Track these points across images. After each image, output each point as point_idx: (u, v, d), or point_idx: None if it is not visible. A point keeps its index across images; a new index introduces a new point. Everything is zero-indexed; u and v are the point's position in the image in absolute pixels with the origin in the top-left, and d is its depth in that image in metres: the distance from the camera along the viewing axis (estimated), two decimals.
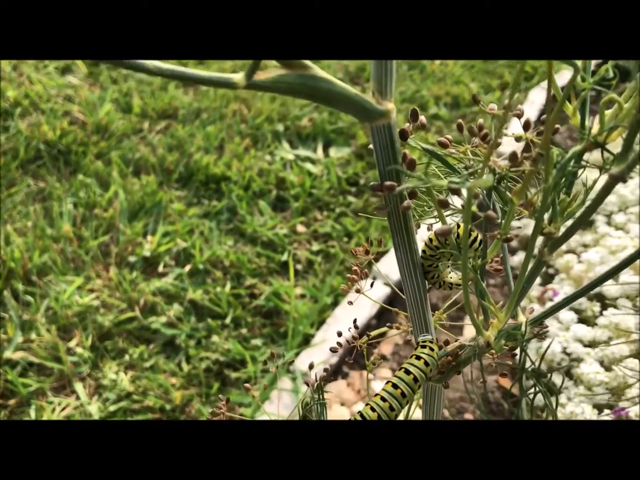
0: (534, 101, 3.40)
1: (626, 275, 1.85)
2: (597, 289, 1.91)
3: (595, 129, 0.47)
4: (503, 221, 0.50)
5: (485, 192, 0.48)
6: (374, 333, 0.67)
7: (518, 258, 2.32)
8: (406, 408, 0.80)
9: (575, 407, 1.56)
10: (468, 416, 1.89)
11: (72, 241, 2.16)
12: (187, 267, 2.13)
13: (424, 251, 0.55)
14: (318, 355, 1.79)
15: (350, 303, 0.70)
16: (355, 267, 0.68)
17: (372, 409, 0.48)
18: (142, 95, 2.95)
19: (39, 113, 2.73)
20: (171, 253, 2.18)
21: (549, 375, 0.48)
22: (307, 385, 0.57)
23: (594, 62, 0.50)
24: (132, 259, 2.13)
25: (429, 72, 3.64)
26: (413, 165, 0.45)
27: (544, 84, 3.67)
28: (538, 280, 2.11)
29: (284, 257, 2.19)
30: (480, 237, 0.51)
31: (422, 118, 0.51)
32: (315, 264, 2.20)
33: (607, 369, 1.63)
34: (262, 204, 2.44)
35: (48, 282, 2.02)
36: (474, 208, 0.46)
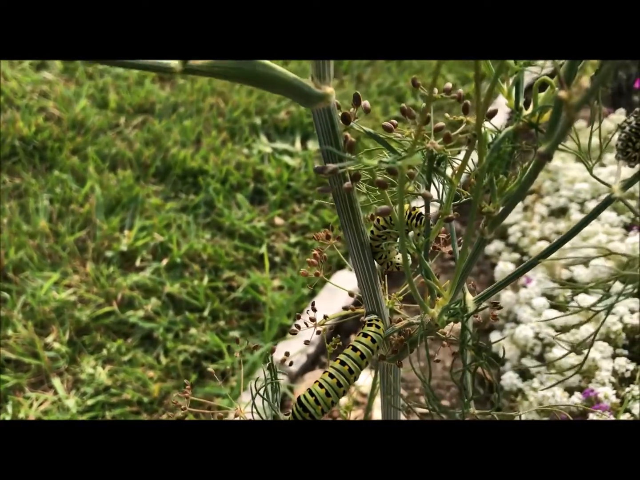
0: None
1: (597, 261, 1.89)
2: (568, 275, 1.95)
3: (529, 110, 0.49)
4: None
5: (425, 173, 0.50)
6: (331, 316, 0.68)
7: (494, 247, 2.35)
8: (370, 389, 0.82)
9: (547, 390, 1.59)
10: (444, 403, 1.91)
11: (49, 237, 2.15)
12: (165, 261, 2.13)
13: (372, 231, 0.57)
14: (295, 345, 1.80)
15: (309, 286, 0.72)
16: (315, 252, 0.70)
17: (320, 386, 0.50)
18: (118, 90, 2.94)
19: (14, 109, 2.71)
20: (148, 247, 2.18)
21: (489, 348, 0.50)
22: (268, 369, 0.59)
23: None
24: (109, 253, 2.13)
25: (407, 64, 3.66)
26: (352, 147, 0.47)
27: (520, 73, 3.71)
28: (512, 267, 2.14)
29: (262, 250, 2.21)
30: (422, 215, 0.53)
31: (366, 103, 0.53)
32: (292, 256, 2.21)
33: (578, 352, 1.66)
34: (240, 197, 2.45)
35: (24, 278, 2.01)
36: (411, 188, 0.47)
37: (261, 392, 0.59)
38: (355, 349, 0.50)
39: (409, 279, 0.50)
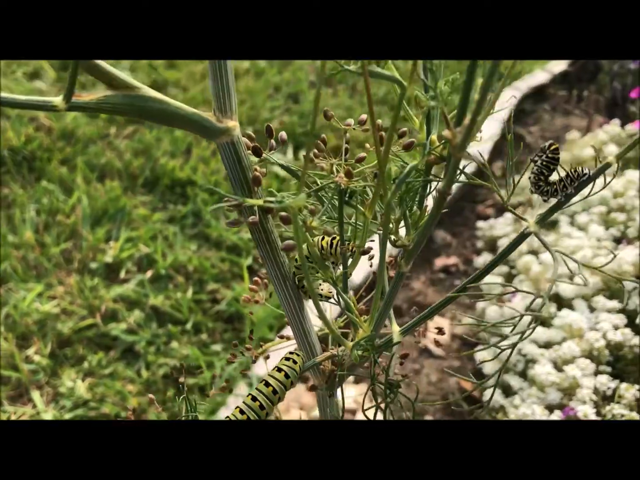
0: (505, 101, 3.40)
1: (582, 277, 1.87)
2: (554, 290, 1.93)
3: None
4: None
5: (337, 205, 0.49)
6: (266, 346, 0.67)
7: (483, 259, 2.34)
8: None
9: (527, 408, 1.57)
10: (428, 417, 1.90)
11: (34, 248, 2.15)
12: (149, 273, 2.12)
13: (295, 260, 0.56)
14: (276, 359, 1.79)
15: (249, 313, 0.71)
16: (256, 278, 0.69)
17: None
18: None
19: (4, 119, 2.72)
20: (133, 259, 2.18)
21: (400, 385, 0.49)
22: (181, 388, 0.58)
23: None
24: (93, 265, 2.13)
25: (401, 74, 3.64)
26: (257, 182, 0.46)
27: (517, 83, 3.69)
28: (500, 280, 2.12)
29: (249, 261, 2.20)
30: (339, 247, 0.52)
31: (282, 134, 0.52)
32: None
33: (560, 369, 1.64)
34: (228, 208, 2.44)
35: (8, 290, 2.01)
36: (315, 223, 0.46)
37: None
38: (267, 384, 0.49)
39: (318, 309, 0.49)
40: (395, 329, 0.56)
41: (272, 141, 0.51)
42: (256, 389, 0.49)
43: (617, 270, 1.84)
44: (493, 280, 2.09)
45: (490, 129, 3.15)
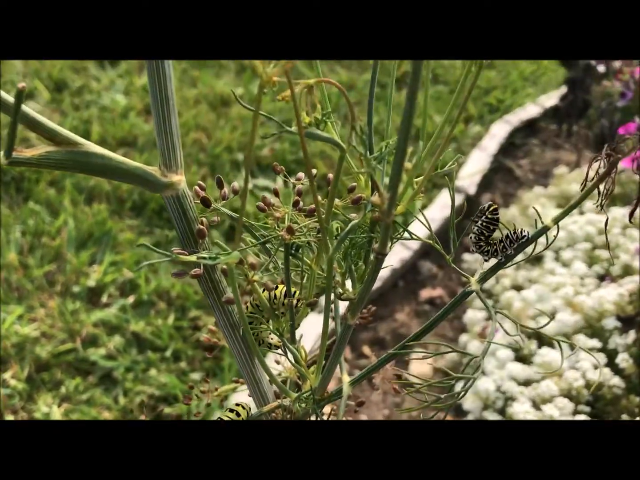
0: (495, 134, 3.44)
1: (563, 314, 1.87)
2: (535, 326, 1.93)
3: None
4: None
5: (283, 259, 0.49)
6: (221, 390, 0.67)
7: None
8: None
9: None
10: None
11: (17, 270, 2.15)
12: (132, 298, 2.12)
13: (247, 308, 0.56)
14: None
15: (207, 354, 0.70)
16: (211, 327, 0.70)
17: None
18: (102, 122, 2.97)
19: None
20: (117, 283, 2.17)
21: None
22: None
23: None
24: (76, 288, 2.12)
25: (395, 104, 3.68)
26: (202, 235, 0.46)
27: (508, 117, 3.73)
28: (482, 315, 2.12)
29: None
30: (289, 298, 0.52)
31: (234, 184, 0.52)
32: None
33: (538, 408, 1.63)
34: (215, 235, 2.45)
35: None
36: (257, 277, 0.47)
37: None
38: None
39: (260, 360, 0.49)
40: (345, 379, 0.56)
41: (225, 190, 0.52)
42: None
43: (598, 309, 1.84)
44: (474, 315, 2.09)
45: (480, 162, 3.18)
